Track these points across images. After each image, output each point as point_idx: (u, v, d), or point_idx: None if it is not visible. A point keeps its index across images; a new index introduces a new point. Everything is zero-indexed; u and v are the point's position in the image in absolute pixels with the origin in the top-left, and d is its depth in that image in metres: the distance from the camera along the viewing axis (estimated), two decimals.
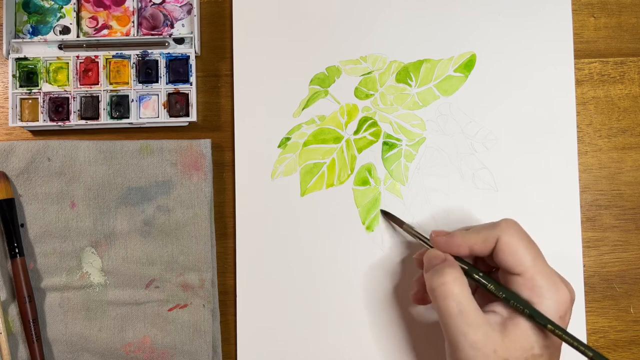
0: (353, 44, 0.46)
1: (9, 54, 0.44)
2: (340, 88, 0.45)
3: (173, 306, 0.44)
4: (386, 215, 0.44)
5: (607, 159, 0.45)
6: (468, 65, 0.45)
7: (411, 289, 0.41)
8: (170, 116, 0.44)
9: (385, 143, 0.45)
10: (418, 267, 0.40)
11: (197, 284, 0.44)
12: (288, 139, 0.45)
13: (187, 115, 0.44)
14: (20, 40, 0.45)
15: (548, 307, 0.34)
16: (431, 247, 0.39)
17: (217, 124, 0.46)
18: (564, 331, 0.33)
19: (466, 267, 0.37)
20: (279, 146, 0.45)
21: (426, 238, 0.40)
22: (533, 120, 0.45)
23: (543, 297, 0.34)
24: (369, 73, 0.45)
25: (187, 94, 0.45)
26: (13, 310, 0.43)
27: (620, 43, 0.46)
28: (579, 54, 0.46)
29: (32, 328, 0.42)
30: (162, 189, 0.44)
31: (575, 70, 0.46)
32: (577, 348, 0.33)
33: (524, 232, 0.36)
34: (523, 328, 0.34)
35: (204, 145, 0.44)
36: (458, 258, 0.37)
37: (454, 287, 0.35)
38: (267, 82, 0.45)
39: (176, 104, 0.45)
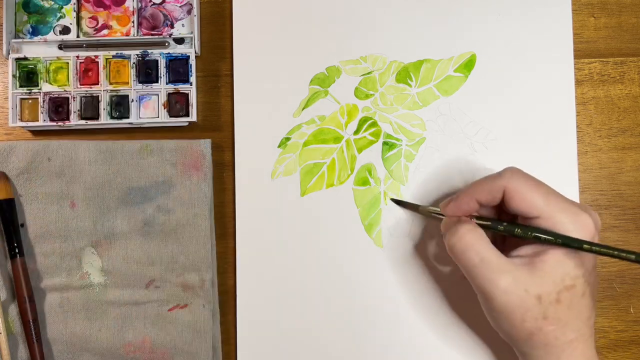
0: (353, 44, 0.46)
1: (9, 54, 0.44)
2: (340, 88, 0.45)
3: (173, 306, 0.44)
4: (398, 203, 0.44)
5: (607, 159, 0.45)
6: (468, 65, 0.45)
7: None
8: (170, 116, 0.44)
9: (385, 143, 0.45)
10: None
11: (197, 284, 0.44)
12: (288, 139, 0.45)
13: (187, 115, 0.44)
14: (20, 40, 0.45)
15: None
16: None
17: (217, 124, 0.46)
18: (601, 245, 0.33)
19: (489, 222, 0.37)
20: (279, 146, 0.45)
21: (442, 213, 0.40)
22: (533, 120, 0.45)
23: (567, 232, 0.34)
24: (369, 73, 0.45)
25: (187, 94, 0.45)
26: (13, 310, 0.43)
27: (620, 43, 0.46)
28: (579, 54, 0.46)
29: (32, 328, 0.42)
30: (162, 189, 0.44)
31: (575, 70, 0.46)
32: (618, 256, 0.33)
33: (529, 176, 0.36)
34: (550, 262, 0.34)
35: (204, 145, 0.44)
36: (478, 217, 0.38)
37: (469, 238, 0.35)
38: (267, 82, 0.45)
39: (176, 104, 0.45)
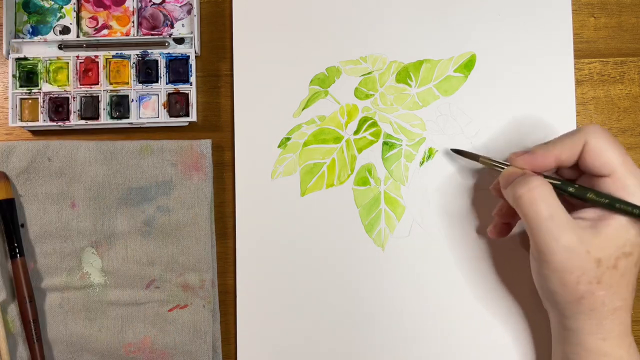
0: (353, 44, 0.46)
1: (9, 54, 0.44)
2: (340, 88, 0.45)
3: (173, 306, 0.44)
4: (458, 152, 0.44)
5: None
6: (468, 65, 0.45)
7: (491, 224, 0.42)
8: (170, 116, 0.44)
9: (385, 143, 0.45)
10: (496, 196, 0.40)
11: (197, 284, 0.44)
12: (288, 139, 0.45)
13: (187, 115, 0.44)
14: (20, 40, 0.45)
15: None
16: None
17: (217, 124, 0.46)
18: None
19: (559, 182, 0.37)
20: (279, 146, 0.45)
21: (504, 164, 0.39)
22: (533, 120, 0.45)
23: (634, 196, 0.35)
24: (369, 73, 0.45)
25: (187, 94, 0.45)
26: (13, 310, 0.43)
27: (620, 43, 0.46)
28: (579, 54, 0.46)
29: (32, 328, 0.42)
30: (162, 189, 0.44)
31: (575, 70, 0.46)
32: None
33: (610, 134, 0.36)
34: (614, 226, 0.35)
35: (204, 146, 0.44)
36: (548, 177, 0.37)
37: (541, 191, 0.35)
38: (267, 82, 0.45)
39: (176, 104, 0.45)
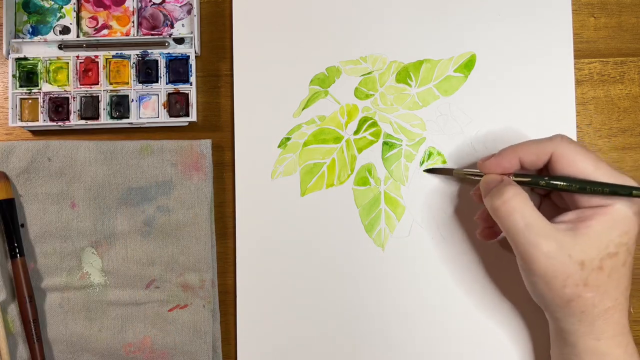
0: (353, 44, 0.46)
1: (9, 54, 0.44)
2: (340, 88, 0.45)
3: (173, 306, 0.44)
4: (432, 171, 0.44)
5: (607, 159, 0.45)
6: (468, 65, 0.45)
7: (477, 228, 0.42)
8: (170, 116, 0.44)
9: (385, 143, 0.45)
10: (478, 202, 0.40)
11: (197, 284, 0.44)
12: (288, 139, 0.45)
13: (187, 115, 0.44)
14: (20, 40, 0.45)
15: (621, 206, 0.35)
16: None
17: (217, 124, 0.46)
18: None
19: (529, 179, 0.37)
20: (279, 146, 0.45)
21: (478, 173, 0.40)
22: (533, 120, 0.45)
23: (614, 198, 0.35)
24: (369, 73, 0.45)
25: (187, 94, 0.45)
26: (13, 310, 0.43)
27: (620, 43, 0.46)
28: (579, 54, 0.46)
29: (32, 328, 0.42)
30: (162, 189, 0.44)
31: (575, 70, 0.46)
32: None
33: (579, 143, 0.36)
34: (596, 228, 0.34)
35: (204, 146, 0.44)
36: (518, 175, 0.37)
37: (516, 203, 0.35)
38: (267, 82, 0.45)
39: (176, 104, 0.45)
